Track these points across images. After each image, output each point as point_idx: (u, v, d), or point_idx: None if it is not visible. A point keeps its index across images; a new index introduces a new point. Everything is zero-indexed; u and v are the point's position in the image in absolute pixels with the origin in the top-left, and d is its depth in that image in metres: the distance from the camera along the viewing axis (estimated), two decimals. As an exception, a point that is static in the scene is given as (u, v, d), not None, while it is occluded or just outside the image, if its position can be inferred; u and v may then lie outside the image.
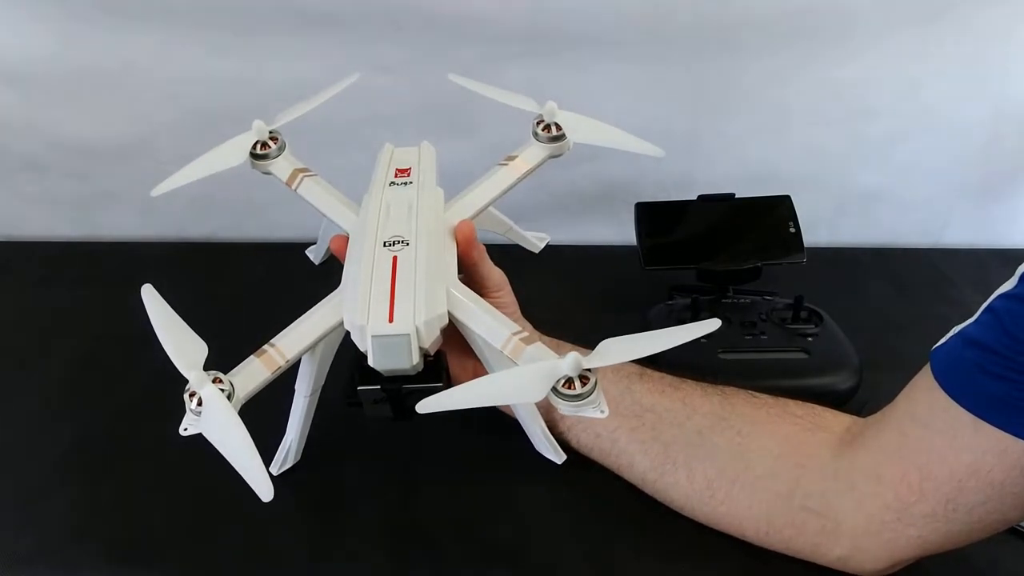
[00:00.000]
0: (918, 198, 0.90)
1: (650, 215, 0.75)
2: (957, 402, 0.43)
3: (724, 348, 0.66)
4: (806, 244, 0.73)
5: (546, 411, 0.59)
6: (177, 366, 0.45)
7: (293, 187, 0.58)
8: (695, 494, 0.53)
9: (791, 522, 0.50)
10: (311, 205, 0.58)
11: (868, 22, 0.78)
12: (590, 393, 0.43)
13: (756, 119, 0.85)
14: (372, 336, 0.47)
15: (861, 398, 0.64)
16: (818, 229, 0.80)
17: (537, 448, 0.59)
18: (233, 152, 0.58)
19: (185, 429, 0.45)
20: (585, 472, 0.58)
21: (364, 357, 0.53)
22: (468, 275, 0.58)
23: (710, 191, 0.75)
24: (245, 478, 0.43)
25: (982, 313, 0.43)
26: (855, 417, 0.52)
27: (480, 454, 0.60)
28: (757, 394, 0.55)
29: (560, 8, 0.77)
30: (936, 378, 0.44)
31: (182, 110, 0.84)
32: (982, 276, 0.85)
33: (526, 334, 0.49)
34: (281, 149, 0.59)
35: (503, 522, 0.55)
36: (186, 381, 0.45)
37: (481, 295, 0.53)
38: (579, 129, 0.59)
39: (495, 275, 0.59)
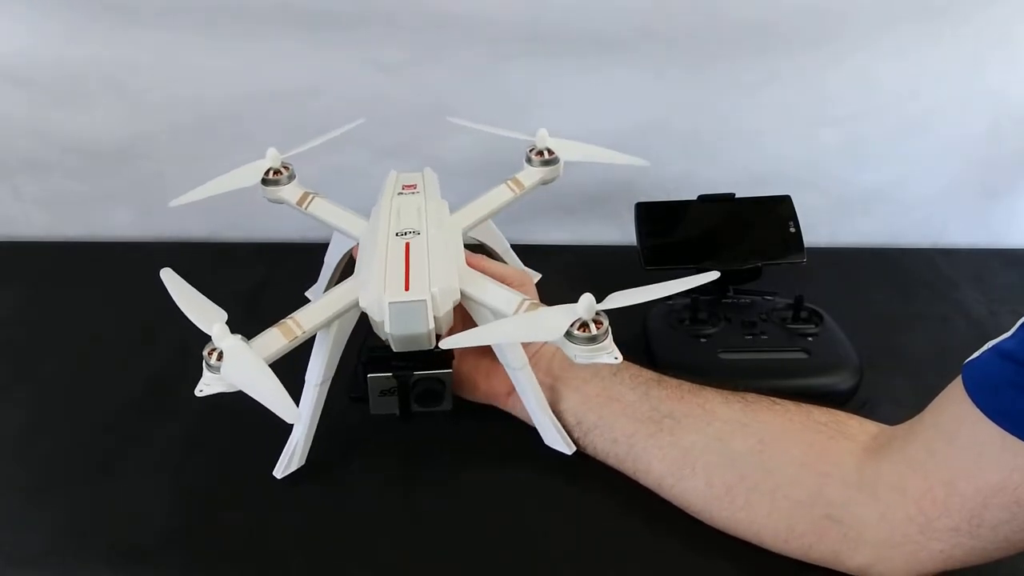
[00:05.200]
0: (918, 198, 0.90)
1: (650, 215, 0.75)
2: (988, 417, 0.42)
3: (724, 348, 0.66)
4: (806, 244, 0.73)
5: (558, 415, 0.59)
6: (200, 326, 0.47)
7: (304, 207, 0.63)
8: (714, 499, 0.52)
9: (812, 529, 0.49)
10: (321, 221, 0.63)
11: (867, 22, 0.78)
12: (604, 337, 0.45)
13: (756, 119, 0.85)
14: (390, 303, 0.50)
15: (861, 398, 0.64)
16: (818, 229, 0.80)
17: (546, 441, 0.59)
18: (248, 175, 0.64)
19: (201, 391, 0.47)
20: (590, 466, 0.58)
21: (373, 350, 0.56)
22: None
23: (710, 191, 0.75)
24: (269, 406, 0.44)
25: (1019, 328, 0.42)
26: (881, 425, 0.51)
27: (481, 451, 0.60)
28: (779, 400, 0.54)
29: (561, 8, 0.77)
30: (968, 392, 0.43)
31: (182, 110, 0.84)
32: (982, 276, 0.85)
33: (537, 302, 0.51)
34: (291, 178, 0.65)
35: (506, 519, 0.55)
36: (205, 344, 0.47)
37: None
38: (568, 150, 0.66)
39: (512, 273, 0.61)
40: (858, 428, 0.51)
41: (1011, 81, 0.82)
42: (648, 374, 0.58)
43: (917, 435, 0.47)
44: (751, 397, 0.55)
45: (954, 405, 0.44)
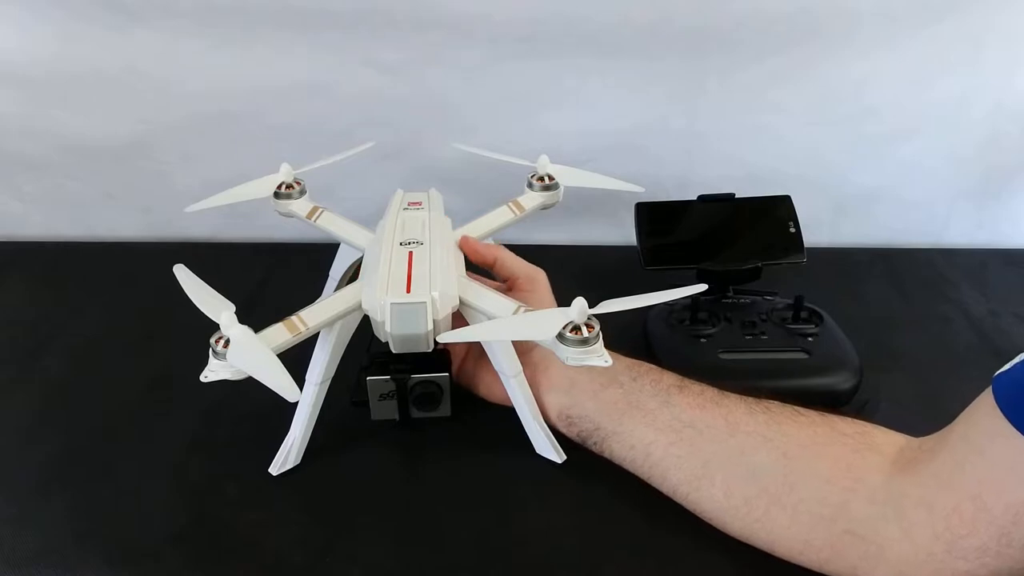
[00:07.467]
0: (918, 198, 0.90)
1: (650, 215, 0.75)
2: (1020, 431, 0.40)
3: (724, 348, 0.66)
4: (806, 244, 0.73)
5: (568, 424, 0.59)
6: (209, 315, 0.48)
7: (313, 220, 0.65)
8: (730, 509, 0.51)
9: (830, 544, 0.48)
10: (329, 234, 0.65)
11: (868, 22, 0.78)
12: (595, 340, 0.47)
13: (756, 119, 0.85)
14: (391, 304, 0.51)
15: (861, 398, 0.64)
16: (818, 229, 0.80)
17: (537, 449, 0.59)
18: (261, 187, 0.67)
19: (206, 376, 0.48)
20: (591, 465, 0.58)
21: (374, 355, 0.58)
22: (495, 274, 0.64)
23: (710, 191, 0.75)
24: (272, 386, 0.45)
25: None
26: (908, 437, 0.50)
27: (481, 450, 0.60)
28: (803, 411, 0.52)
29: (560, 8, 0.77)
30: (999, 405, 0.41)
31: (182, 110, 0.84)
32: (982, 276, 0.85)
33: (533, 308, 0.52)
34: (302, 192, 0.67)
35: (505, 519, 0.55)
36: (213, 332, 0.48)
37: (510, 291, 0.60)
38: (567, 176, 0.69)
39: (522, 269, 0.63)
40: (884, 439, 0.50)
41: (1011, 81, 0.82)
42: (669, 379, 0.57)
43: (945, 448, 0.46)
44: (775, 407, 0.53)
45: (984, 418, 0.43)
